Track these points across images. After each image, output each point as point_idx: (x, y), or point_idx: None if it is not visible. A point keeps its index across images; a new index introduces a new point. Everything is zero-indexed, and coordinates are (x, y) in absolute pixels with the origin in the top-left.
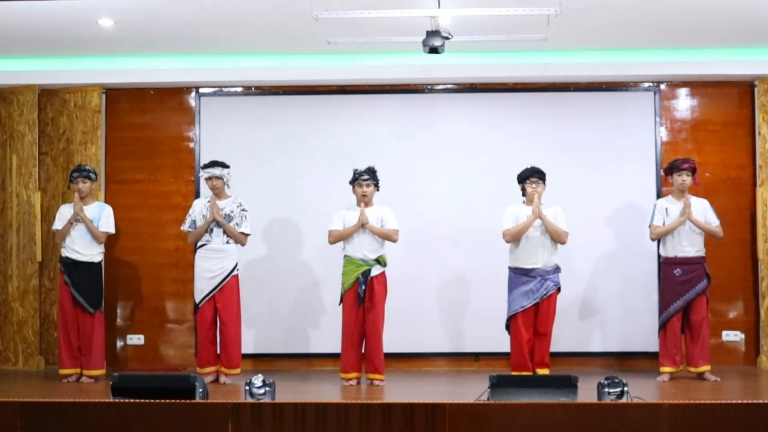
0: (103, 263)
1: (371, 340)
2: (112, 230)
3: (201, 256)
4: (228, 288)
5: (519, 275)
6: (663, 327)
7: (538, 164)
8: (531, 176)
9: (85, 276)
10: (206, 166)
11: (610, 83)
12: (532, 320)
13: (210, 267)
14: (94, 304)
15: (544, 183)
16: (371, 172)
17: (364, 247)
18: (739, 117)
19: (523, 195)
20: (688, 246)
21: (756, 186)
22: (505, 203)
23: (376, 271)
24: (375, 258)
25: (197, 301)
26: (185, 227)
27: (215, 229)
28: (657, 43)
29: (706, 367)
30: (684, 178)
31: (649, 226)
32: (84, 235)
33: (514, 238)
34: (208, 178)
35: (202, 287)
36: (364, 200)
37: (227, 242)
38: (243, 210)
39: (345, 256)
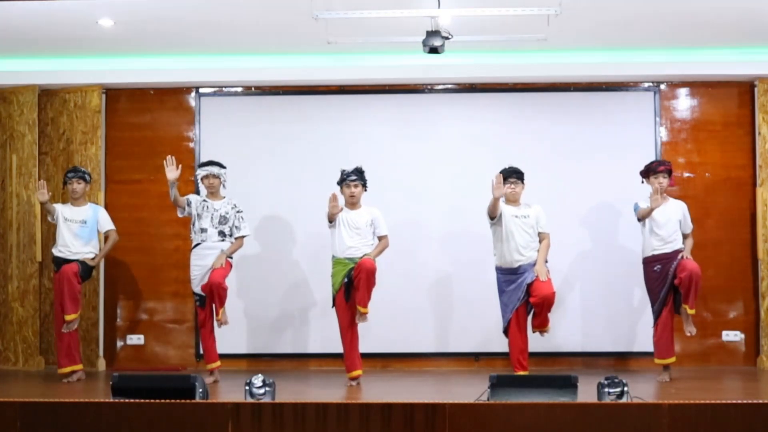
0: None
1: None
2: (113, 225)
3: (196, 255)
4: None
5: (507, 274)
6: (659, 315)
7: (538, 164)
8: (509, 177)
9: (85, 271)
10: (204, 165)
11: (610, 83)
12: (524, 315)
13: (204, 264)
14: (84, 275)
15: (522, 183)
16: (359, 173)
17: (350, 248)
18: (739, 117)
19: None
20: (669, 244)
21: (756, 186)
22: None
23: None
24: (360, 256)
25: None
26: (182, 214)
27: (210, 229)
28: (657, 43)
29: (692, 311)
30: (661, 181)
31: (635, 210)
32: (76, 235)
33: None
34: (206, 176)
35: (199, 285)
36: (351, 201)
37: (222, 240)
38: (239, 212)
39: (333, 256)
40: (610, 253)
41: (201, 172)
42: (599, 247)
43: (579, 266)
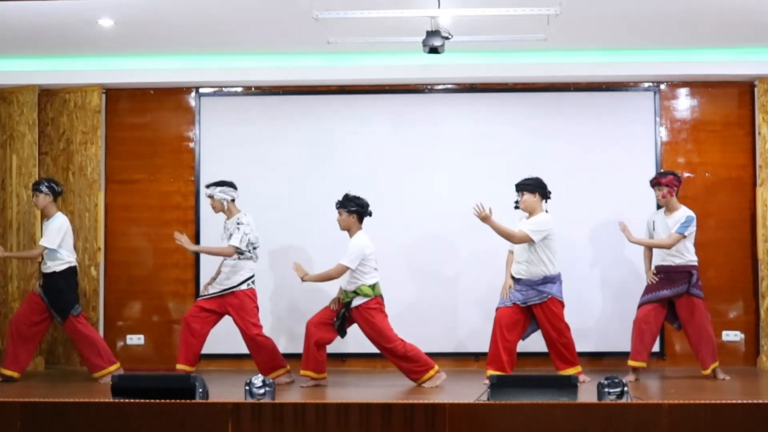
0: (71, 270)
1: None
2: (48, 244)
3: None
4: (241, 295)
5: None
6: (643, 305)
7: (538, 164)
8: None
9: (48, 286)
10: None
11: (610, 83)
12: (513, 321)
13: (220, 279)
14: (61, 312)
15: (530, 192)
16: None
17: (342, 280)
18: (739, 117)
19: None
20: (670, 256)
21: (756, 186)
22: (504, 203)
23: (357, 301)
24: (353, 290)
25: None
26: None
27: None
28: (657, 43)
29: (714, 364)
30: (656, 193)
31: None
32: None
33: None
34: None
35: (208, 286)
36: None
37: (238, 259)
38: (239, 224)
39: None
40: (610, 252)
41: (235, 194)
42: (599, 246)
43: (578, 266)
